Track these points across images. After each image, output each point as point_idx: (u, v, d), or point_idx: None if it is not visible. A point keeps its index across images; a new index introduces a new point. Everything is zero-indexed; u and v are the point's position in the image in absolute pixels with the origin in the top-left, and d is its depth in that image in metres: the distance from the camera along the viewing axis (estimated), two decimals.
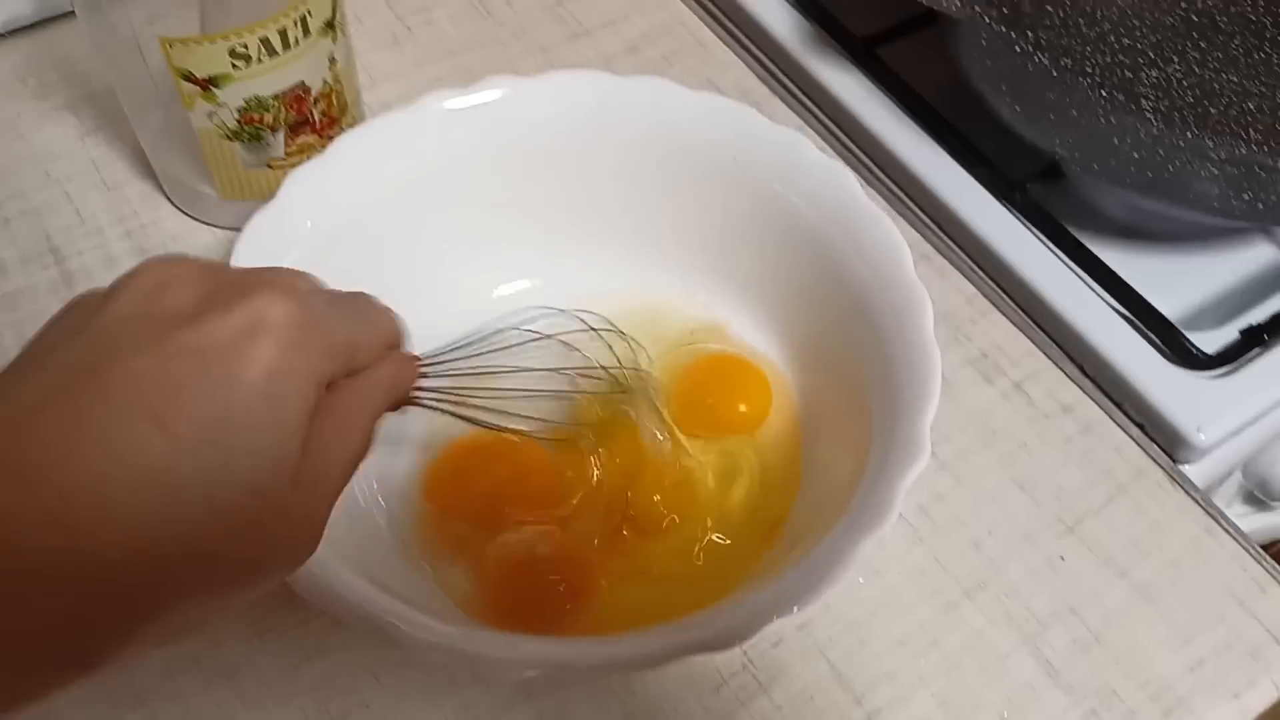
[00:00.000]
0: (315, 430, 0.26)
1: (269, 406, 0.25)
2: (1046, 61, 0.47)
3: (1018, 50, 0.48)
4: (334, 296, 0.30)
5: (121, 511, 0.23)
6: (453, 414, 0.39)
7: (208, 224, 0.53)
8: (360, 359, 0.30)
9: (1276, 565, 0.45)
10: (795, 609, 0.33)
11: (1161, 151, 0.46)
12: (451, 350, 0.40)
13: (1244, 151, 0.45)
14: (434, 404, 0.38)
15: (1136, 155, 0.47)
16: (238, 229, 0.52)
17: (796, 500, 0.44)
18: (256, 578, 0.27)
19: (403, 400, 0.35)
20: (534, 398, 0.44)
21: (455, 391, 0.40)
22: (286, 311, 0.26)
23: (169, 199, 0.54)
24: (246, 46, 0.44)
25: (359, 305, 0.31)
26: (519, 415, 0.42)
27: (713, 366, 0.46)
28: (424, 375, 0.36)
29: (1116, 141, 0.47)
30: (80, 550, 0.23)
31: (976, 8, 0.49)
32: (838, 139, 0.58)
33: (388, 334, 0.32)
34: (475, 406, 0.40)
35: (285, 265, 0.41)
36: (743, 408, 0.45)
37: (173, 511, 0.24)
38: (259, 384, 0.25)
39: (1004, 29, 0.49)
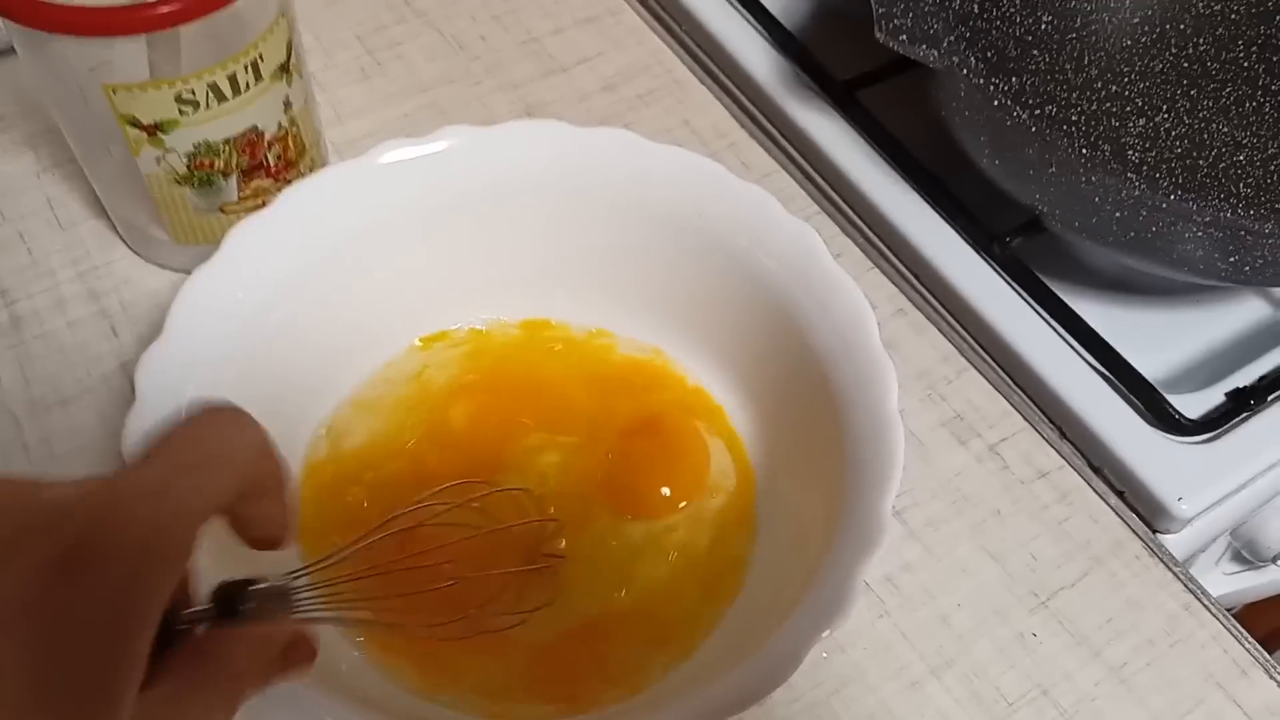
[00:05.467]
0: None
1: None
2: (1026, 117, 0.45)
3: (997, 104, 0.46)
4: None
5: None
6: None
7: (161, 266, 0.51)
8: None
9: (1259, 647, 0.43)
10: (741, 709, 0.32)
11: (1144, 212, 0.44)
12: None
13: (1228, 215, 0.43)
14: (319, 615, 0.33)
15: (1119, 215, 0.45)
16: (192, 270, 0.51)
17: (751, 566, 0.42)
18: None
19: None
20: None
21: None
22: None
23: (123, 240, 0.52)
24: (194, 92, 0.42)
25: None
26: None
27: (644, 440, 0.44)
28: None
29: (1098, 200, 0.45)
30: None
31: (955, 59, 0.47)
32: (815, 184, 0.57)
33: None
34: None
35: (227, 325, 0.40)
36: (666, 491, 0.43)
37: None
38: None
39: (983, 81, 0.47)
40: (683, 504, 0.43)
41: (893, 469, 0.36)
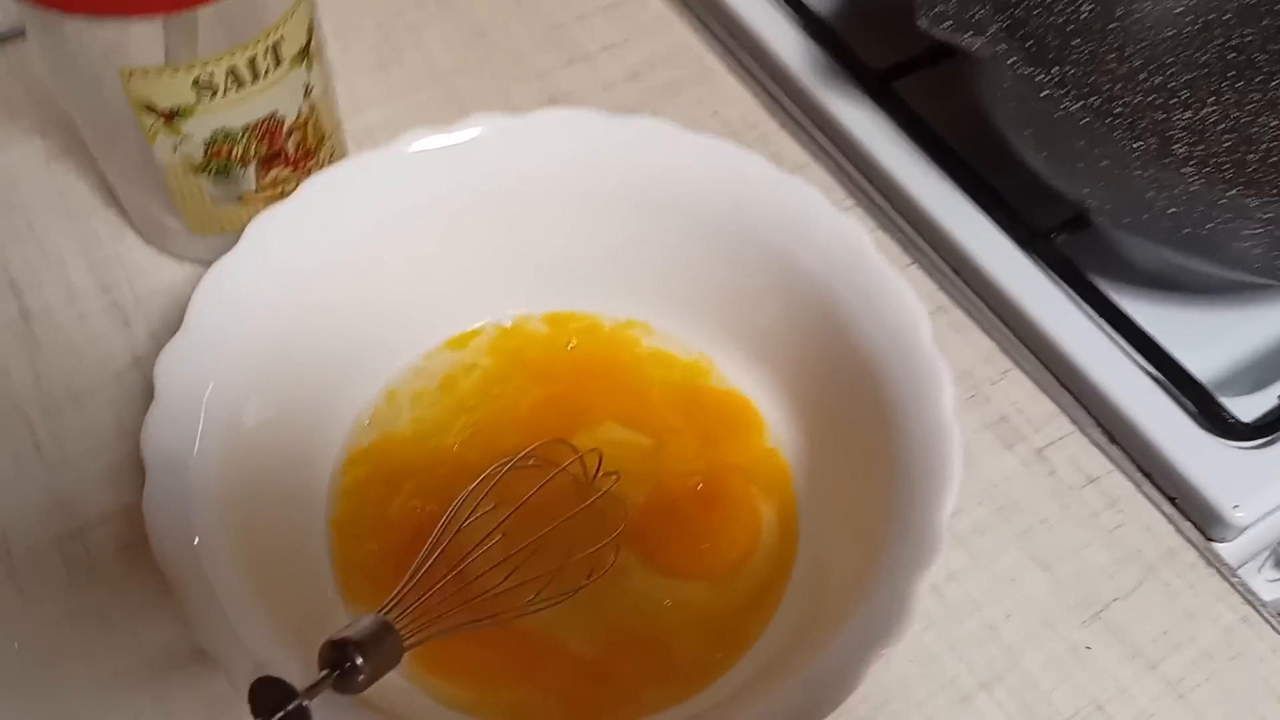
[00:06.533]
0: None
1: None
2: (1076, 108, 0.44)
3: (1045, 95, 0.44)
4: None
5: None
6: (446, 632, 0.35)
7: (176, 257, 0.50)
8: None
9: None
10: None
11: (1200, 208, 0.43)
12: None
13: None
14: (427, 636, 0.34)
15: (1172, 210, 0.43)
16: (208, 262, 0.49)
17: (783, 602, 0.40)
18: None
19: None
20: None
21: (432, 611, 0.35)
22: None
23: (136, 230, 0.50)
24: (213, 77, 0.41)
25: None
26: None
27: (697, 511, 0.42)
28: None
29: (1151, 195, 0.43)
30: None
31: (1000, 47, 0.46)
32: (849, 177, 0.55)
33: None
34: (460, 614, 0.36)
35: (248, 318, 0.39)
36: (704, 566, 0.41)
37: None
38: None
39: (1030, 71, 0.45)
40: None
41: (949, 476, 0.34)
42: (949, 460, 0.34)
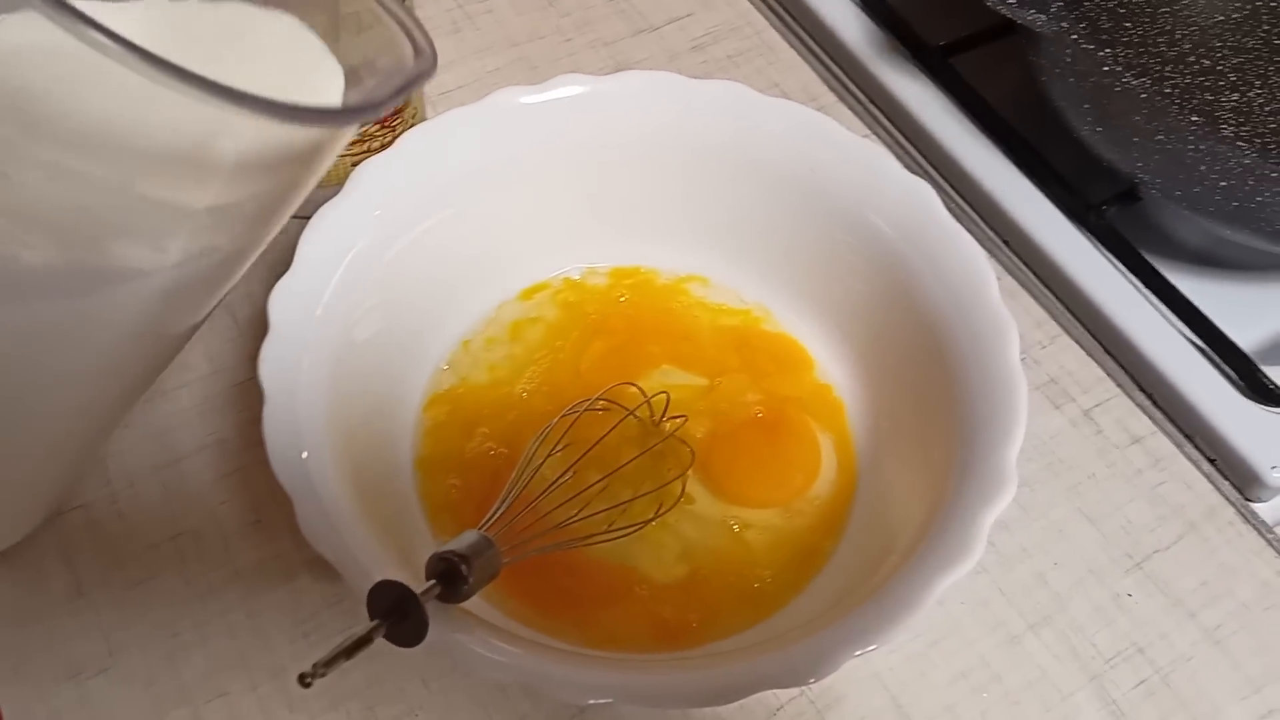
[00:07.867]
0: None
1: None
2: (1136, 84, 0.46)
3: (1106, 70, 0.46)
4: None
5: None
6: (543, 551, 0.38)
7: None
8: None
9: None
10: (874, 645, 0.32)
11: (1251, 181, 0.45)
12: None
13: None
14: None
15: (1224, 184, 0.45)
16: (294, 215, 0.52)
17: (847, 531, 0.42)
18: None
19: None
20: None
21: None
22: None
23: None
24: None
25: None
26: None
27: (760, 440, 0.44)
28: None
29: (1204, 169, 0.45)
30: None
31: (1065, 24, 0.48)
32: (905, 150, 0.57)
33: None
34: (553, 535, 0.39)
35: (351, 255, 0.41)
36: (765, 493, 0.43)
37: None
38: None
39: (1093, 48, 0.47)
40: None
41: (1017, 419, 0.36)
42: (1016, 405, 0.37)
